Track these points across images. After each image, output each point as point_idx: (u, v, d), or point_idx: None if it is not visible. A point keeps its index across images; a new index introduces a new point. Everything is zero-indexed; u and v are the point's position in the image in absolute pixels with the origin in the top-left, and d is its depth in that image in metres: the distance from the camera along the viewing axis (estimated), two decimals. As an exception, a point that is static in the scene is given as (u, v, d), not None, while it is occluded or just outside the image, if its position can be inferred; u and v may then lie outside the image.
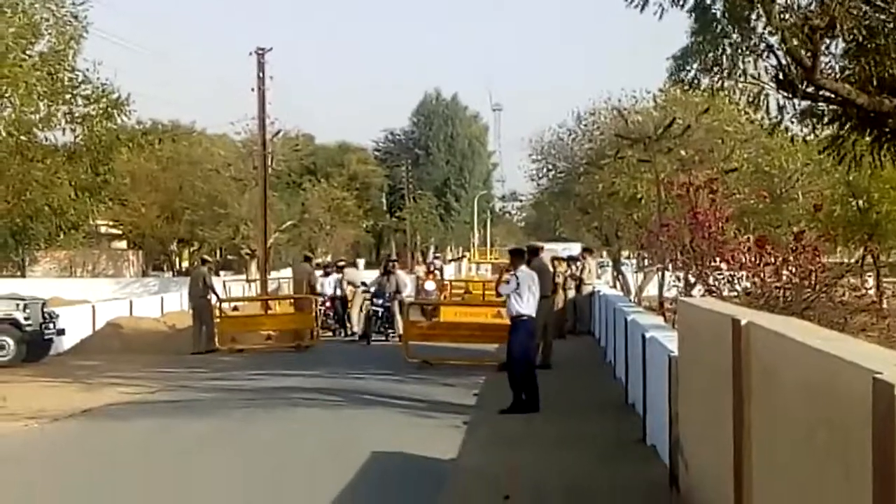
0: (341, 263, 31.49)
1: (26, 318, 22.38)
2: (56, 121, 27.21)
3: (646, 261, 32.53)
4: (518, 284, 14.97)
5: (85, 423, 14.48)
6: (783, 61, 14.73)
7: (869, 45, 14.40)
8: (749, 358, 6.19)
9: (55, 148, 28.18)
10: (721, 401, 6.79)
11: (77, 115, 27.52)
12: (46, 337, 23.07)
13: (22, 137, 26.36)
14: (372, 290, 27.60)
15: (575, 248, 38.13)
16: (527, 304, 14.98)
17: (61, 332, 23.84)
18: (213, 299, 25.34)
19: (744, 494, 6.30)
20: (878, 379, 3.78)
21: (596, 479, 10.31)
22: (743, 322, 6.33)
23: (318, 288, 28.17)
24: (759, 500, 6.05)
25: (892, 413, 3.64)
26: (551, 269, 23.07)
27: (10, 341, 22.13)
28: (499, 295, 15.77)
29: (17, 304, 22.83)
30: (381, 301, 26.46)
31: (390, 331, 26.31)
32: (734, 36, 14.91)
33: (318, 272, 30.39)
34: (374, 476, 10.77)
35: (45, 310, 23.49)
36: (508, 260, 16.69)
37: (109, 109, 27.84)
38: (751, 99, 16.17)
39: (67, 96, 27.16)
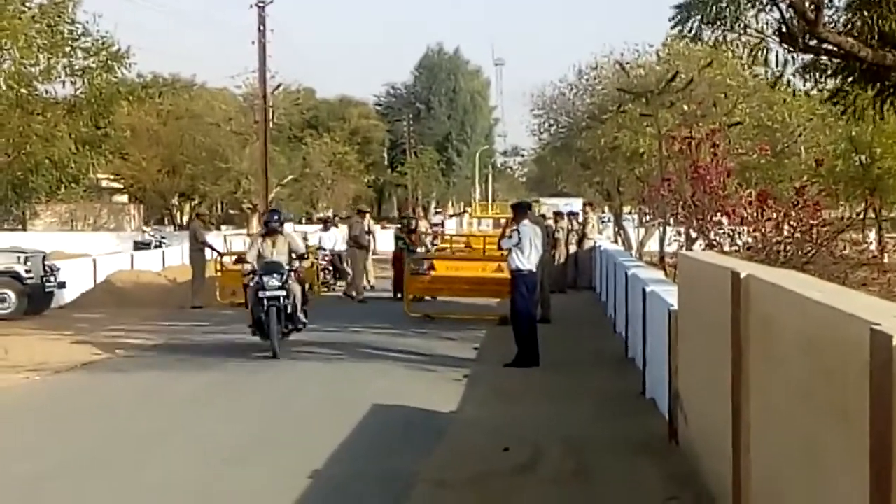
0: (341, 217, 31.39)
1: (27, 271, 22.37)
2: (56, 73, 27.13)
3: (647, 215, 32.47)
4: (520, 239, 14.96)
5: (86, 375, 14.52)
6: (786, 14, 14.62)
7: (872, -2, 14.30)
8: (748, 310, 6.19)
9: (55, 101, 28.11)
10: (720, 354, 6.80)
11: (77, 67, 27.44)
12: (47, 290, 23.07)
13: (22, 90, 26.28)
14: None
15: (576, 204, 38.11)
16: (528, 259, 14.97)
17: (62, 286, 23.84)
18: (209, 254, 25.26)
19: (742, 446, 6.33)
20: (875, 330, 3.78)
21: (595, 432, 10.34)
22: (743, 275, 6.33)
23: (318, 242, 28.04)
24: (756, 452, 6.07)
25: (889, 364, 3.64)
26: (546, 224, 23.04)
27: (11, 294, 22.13)
28: (500, 248, 15.76)
29: (18, 258, 22.80)
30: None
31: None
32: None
33: (319, 226, 30.36)
34: (375, 428, 10.81)
35: (45, 263, 23.47)
36: (511, 214, 16.65)
37: (109, 62, 27.76)
38: (753, 52, 16.08)
39: (67, 49, 27.07)
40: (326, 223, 30.25)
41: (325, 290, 27.11)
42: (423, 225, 33.79)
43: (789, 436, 5.24)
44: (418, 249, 25.65)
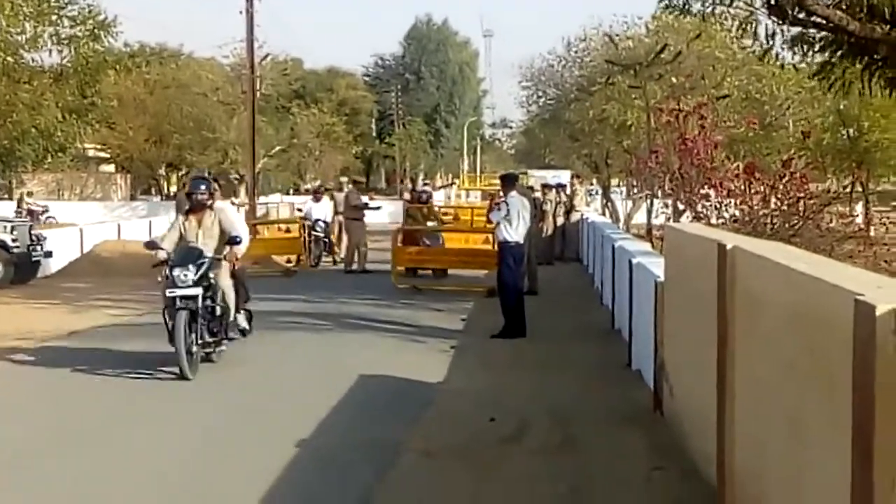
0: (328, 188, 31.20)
1: (14, 240, 22.32)
2: (42, 42, 26.97)
3: (635, 188, 32.51)
4: (508, 211, 14.97)
5: (73, 344, 14.51)
6: (775, -13, 14.59)
7: (861, -29, 14.27)
8: (734, 282, 6.22)
9: (42, 69, 27.95)
10: (706, 325, 6.83)
11: (63, 36, 27.28)
12: (34, 259, 23.04)
13: (8, 59, 26.12)
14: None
15: (564, 176, 38.16)
16: (515, 231, 14.99)
17: (49, 255, 23.79)
18: None
19: (726, 417, 6.36)
20: (859, 301, 3.80)
21: (581, 403, 10.40)
22: (728, 246, 6.35)
23: (308, 214, 27.81)
24: (741, 423, 6.11)
25: (873, 334, 3.66)
26: (534, 197, 23.06)
27: (-2, 263, 22.12)
28: (489, 221, 15.73)
29: (5, 226, 22.75)
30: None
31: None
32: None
33: (308, 197, 30.12)
34: (361, 398, 10.84)
35: (32, 232, 23.44)
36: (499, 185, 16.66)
37: (96, 31, 27.61)
38: (742, 25, 16.06)
39: (54, 17, 26.91)
40: (317, 194, 29.43)
41: (316, 262, 27.01)
42: (407, 196, 33.66)
43: (774, 407, 5.28)
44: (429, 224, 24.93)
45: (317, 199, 28.50)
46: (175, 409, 10.38)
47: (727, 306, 6.31)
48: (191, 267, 11.76)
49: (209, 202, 12.61)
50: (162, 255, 12.14)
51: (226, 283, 12.47)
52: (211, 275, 12.03)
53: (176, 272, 11.74)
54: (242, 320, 13.23)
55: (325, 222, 27.53)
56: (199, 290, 11.72)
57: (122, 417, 10.02)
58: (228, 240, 12.35)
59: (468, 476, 7.90)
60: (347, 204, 26.27)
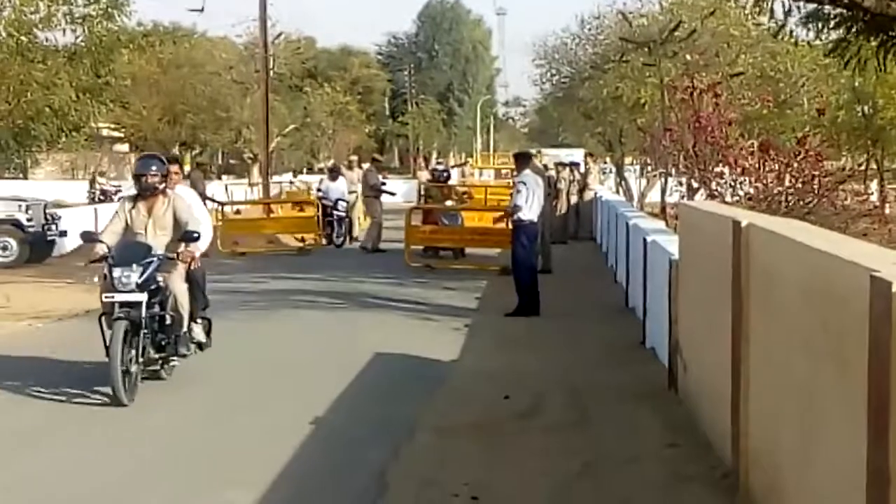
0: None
1: (29, 220, 22.41)
2: (56, 21, 26.94)
3: (648, 166, 32.39)
4: (525, 191, 14.99)
5: (88, 322, 14.49)
6: (790, -37, 14.52)
7: (878, -53, 14.17)
8: (749, 259, 6.22)
9: (56, 49, 27.92)
10: (721, 303, 6.83)
11: (77, 15, 27.25)
12: (49, 238, 23.12)
13: (22, 38, 26.12)
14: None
15: (578, 154, 38.05)
16: (530, 209, 15.00)
17: (63, 234, 23.84)
18: (209, 204, 25.18)
19: (741, 394, 6.37)
20: (875, 277, 3.81)
21: (595, 380, 10.41)
22: (744, 224, 6.35)
23: (324, 192, 27.50)
24: (755, 400, 6.12)
25: (889, 310, 3.66)
26: (548, 175, 23.03)
27: (13, 242, 22.19)
28: (513, 210, 15.43)
29: (20, 206, 22.84)
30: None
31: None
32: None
33: (324, 176, 29.94)
34: (376, 376, 10.88)
35: (47, 211, 23.51)
36: (513, 164, 16.64)
37: (110, 10, 27.58)
38: (757, 1, 15.98)
39: (67, -4, 26.88)
40: (334, 172, 28.48)
41: (340, 243, 26.61)
42: (423, 175, 33.48)
43: (788, 383, 5.28)
44: (448, 203, 24.65)
45: (333, 178, 27.66)
46: (190, 382, 10.36)
47: (742, 283, 6.31)
48: (135, 267, 9.49)
49: (162, 186, 10.16)
50: (101, 249, 9.84)
51: (179, 287, 10.04)
52: (160, 277, 9.79)
53: (116, 273, 9.49)
54: (199, 332, 10.70)
55: (345, 201, 26.99)
56: (143, 296, 9.46)
57: (138, 388, 9.93)
58: (184, 235, 9.96)
59: (482, 453, 7.93)
60: (366, 182, 26.18)
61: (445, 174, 27.02)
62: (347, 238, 27.29)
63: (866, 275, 3.87)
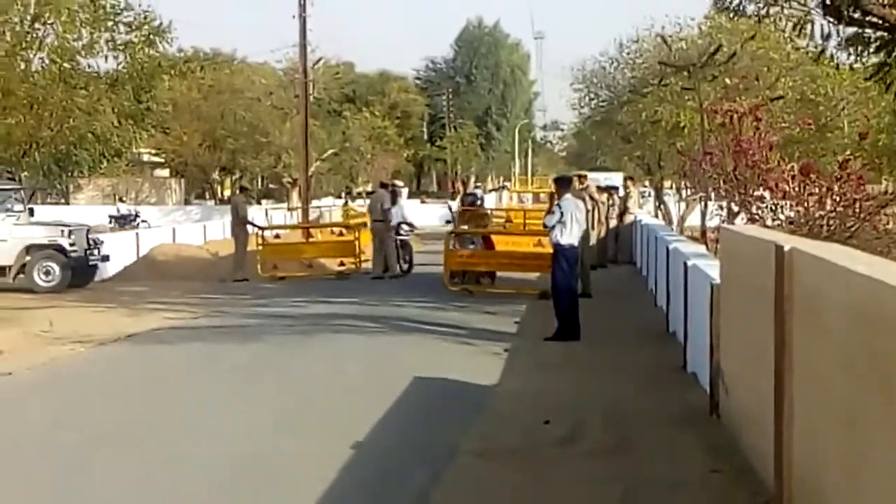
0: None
1: (71, 245, 22.64)
2: (98, 48, 27.23)
3: (688, 190, 32.27)
4: (562, 214, 14.97)
5: (130, 347, 14.67)
6: (830, -14, 14.47)
7: (919, -30, 14.11)
8: (792, 283, 6.18)
9: (98, 75, 28.23)
10: (763, 327, 6.79)
11: (119, 42, 27.53)
12: (91, 263, 23.36)
13: (65, 65, 26.43)
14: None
15: (616, 178, 38.00)
16: (569, 234, 14.98)
17: (106, 259, 24.12)
18: (249, 228, 25.32)
19: (784, 419, 6.33)
20: (922, 302, 3.78)
21: (636, 406, 10.36)
22: (786, 248, 6.32)
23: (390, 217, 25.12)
24: (799, 426, 6.07)
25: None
26: (590, 199, 22.98)
27: (56, 267, 22.42)
28: (546, 227, 15.61)
29: (62, 231, 23.08)
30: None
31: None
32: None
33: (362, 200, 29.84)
34: (416, 400, 10.88)
35: (89, 236, 23.75)
36: (553, 188, 16.65)
37: (151, 36, 27.86)
38: (796, 25, 15.93)
39: (109, 23, 27.13)
40: (393, 194, 25.72)
41: (406, 270, 25.14)
42: (453, 204, 33.17)
43: (832, 409, 5.25)
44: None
45: (394, 202, 25.32)
46: (234, 407, 10.45)
47: (785, 308, 6.27)
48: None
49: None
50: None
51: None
52: None
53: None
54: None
55: (409, 224, 25.79)
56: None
57: (181, 412, 10.05)
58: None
59: (523, 477, 7.91)
60: (381, 207, 24.92)
61: (472, 198, 26.87)
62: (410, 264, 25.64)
63: (912, 299, 3.85)
